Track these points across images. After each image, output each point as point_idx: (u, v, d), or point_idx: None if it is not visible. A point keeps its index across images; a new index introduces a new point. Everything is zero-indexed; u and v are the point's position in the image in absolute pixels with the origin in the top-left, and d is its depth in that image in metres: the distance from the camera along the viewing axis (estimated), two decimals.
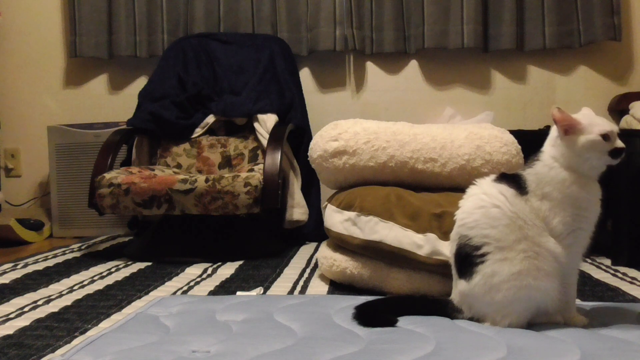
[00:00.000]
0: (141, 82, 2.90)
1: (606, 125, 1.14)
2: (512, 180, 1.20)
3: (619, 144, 1.14)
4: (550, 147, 1.19)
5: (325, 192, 2.47)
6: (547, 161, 1.18)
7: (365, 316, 1.21)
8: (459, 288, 1.22)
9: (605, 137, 1.13)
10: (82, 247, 2.43)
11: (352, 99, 2.90)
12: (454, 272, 1.25)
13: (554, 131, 1.19)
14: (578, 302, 1.40)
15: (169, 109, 2.55)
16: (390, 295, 1.53)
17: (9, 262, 2.07)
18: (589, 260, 1.99)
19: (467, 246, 1.18)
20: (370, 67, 2.89)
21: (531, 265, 1.13)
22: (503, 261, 1.13)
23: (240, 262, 2.08)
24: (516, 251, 1.13)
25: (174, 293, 1.62)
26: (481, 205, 1.18)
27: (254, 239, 2.27)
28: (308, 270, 1.92)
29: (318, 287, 1.69)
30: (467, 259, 1.18)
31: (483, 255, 1.15)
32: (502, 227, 1.15)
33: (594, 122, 1.14)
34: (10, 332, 1.26)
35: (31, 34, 3.03)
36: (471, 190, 1.25)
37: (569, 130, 1.14)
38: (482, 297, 1.16)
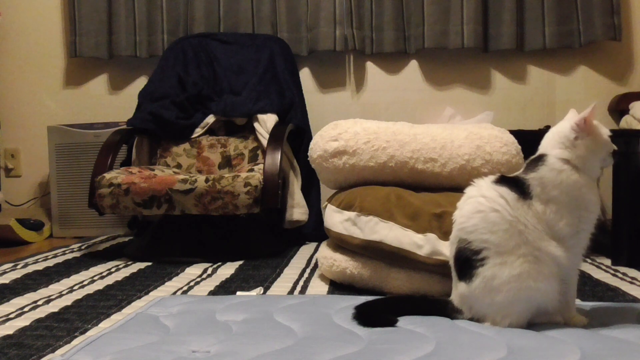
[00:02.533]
0: (141, 82, 2.90)
1: (606, 129, 1.20)
2: (514, 184, 1.18)
3: (616, 147, 1.21)
4: (560, 149, 1.17)
5: (325, 192, 2.47)
6: (556, 164, 1.16)
7: (365, 316, 1.21)
8: (459, 290, 1.21)
9: (611, 138, 1.19)
10: (82, 247, 2.43)
11: (352, 99, 2.90)
12: (453, 274, 1.25)
13: (568, 133, 1.17)
14: (578, 302, 1.40)
15: (169, 109, 2.55)
16: (390, 295, 1.53)
17: (9, 262, 2.07)
18: (589, 260, 1.99)
19: (467, 250, 1.17)
20: (370, 67, 2.89)
21: (531, 268, 1.13)
22: (503, 265, 1.13)
23: (240, 262, 2.08)
24: (516, 255, 1.13)
25: (174, 293, 1.62)
26: (479, 209, 1.17)
27: (254, 239, 2.27)
28: (308, 270, 1.92)
29: (318, 287, 1.69)
30: (467, 262, 1.18)
31: (483, 259, 1.15)
32: (502, 233, 1.14)
33: (599, 125, 1.19)
34: (10, 332, 1.26)
35: (31, 34, 3.03)
36: (469, 192, 1.23)
37: (591, 131, 1.16)
38: (482, 298, 1.16)
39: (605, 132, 1.18)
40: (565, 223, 1.15)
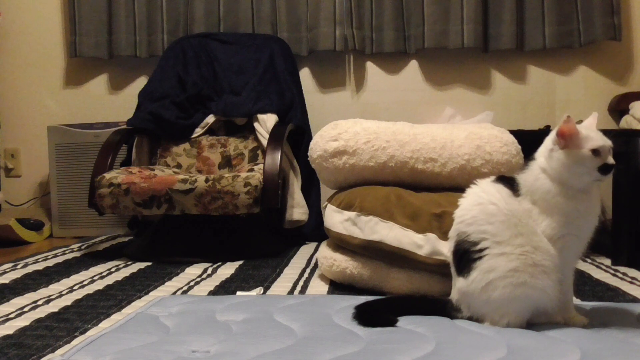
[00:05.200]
0: (141, 82, 2.90)
1: (599, 140, 1.12)
2: (508, 182, 1.22)
3: (610, 160, 1.12)
4: (542, 157, 1.18)
5: (325, 192, 2.47)
6: (535, 171, 1.19)
7: (365, 316, 1.21)
8: (458, 285, 1.22)
9: (596, 152, 1.12)
10: (82, 247, 2.43)
11: (352, 99, 2.90)
12: (452, 269, 1.26)
13: (548, 143, 1.18)
14: (578, 302, 1.40)
15: (169, 109, 2.55)
16: (390, 295, 1.53)
17: (9, 262, 2.07)
18: (589, 260, 2.00)
19: (466, 242, 1.19)
20: (370, 67, 2.89)
21: (528, 261, 1.13)
22: (500, 256, 1.14)
23: (240, 262, 2.08)
24: (513, 246, 1.14)
25: (174, 293, 1.62)
26: (479, 202, 1.21)
27: (254, 239, 2.27)
28: (308, 270, 1.92)
29: (318, 287, 1.69)
30: (466, 255, 1.19)
31: (481, 250, 1.16)
32: (499, 224, 1.16)
33: (589, 136, 1.12)
34: (10, 332, 1.26)
35: (31, 34, 3.03)
36: (470, 190, 1.27)
37: (569, 143, 1.13)
38: (479, 295, 1.17)
39: (589, 145, 1.11)
40: (546, 225, 1.16)
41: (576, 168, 1.13)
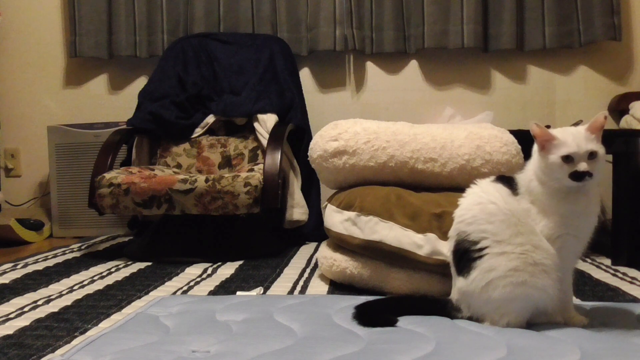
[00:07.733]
0: (141, 82, 2.90)
1: (573, 146, 1.10)
2: (507, 181, 1.22)
3: (581, 167, 1.09)
4: (533, 159, 1.20)
5: (325, 192, 2.47)
6: (528, 173, 1.20)
7: (365, 316, 1.21)
8: (458, 285, 1.22)
9: (567, 158, 1.10)
10: (82, 247, 2.43)
11: (352, 99, 2.90)
12: (452, 269, 1.26)
13: (534, 145, 1.20)
14: (578, 302, 1.40)
15: (169, 109, 2.55)
16: (390, 295, 1.53)
17: (9, 262, 2.07)
18: (589, 260, 2.00)
19: (466, 242, 1.19)
20: (370, 67, 2.89)
21: (528, 260, 1.13)
22: (501, 255, 1.14)
23: (240, 262, 2.08)
24: (513, 245, 1.14)
25: (174, 293, 1.62)
26: (479, 201, 1.21)
27: (254, 239, 2.27)
28: (308, 270, 1.92)
29: (318, 287, 1.69)
30: (466, 254, 1.19)
31: (481, 249, 1.16)
32: (499, 223, 1.16)
33: (563, 142, 1.11)
34: (10, 332, 1.26)
35: (31, 34, 3.03)
36: (470, 190, 1.27)
37: (545, 146, 1.14)
38: (479, 294, 1.17)
39: (560, 152, 1.10)
40: (544, 225, 1.16)
41: (549, 173, 1.14)
